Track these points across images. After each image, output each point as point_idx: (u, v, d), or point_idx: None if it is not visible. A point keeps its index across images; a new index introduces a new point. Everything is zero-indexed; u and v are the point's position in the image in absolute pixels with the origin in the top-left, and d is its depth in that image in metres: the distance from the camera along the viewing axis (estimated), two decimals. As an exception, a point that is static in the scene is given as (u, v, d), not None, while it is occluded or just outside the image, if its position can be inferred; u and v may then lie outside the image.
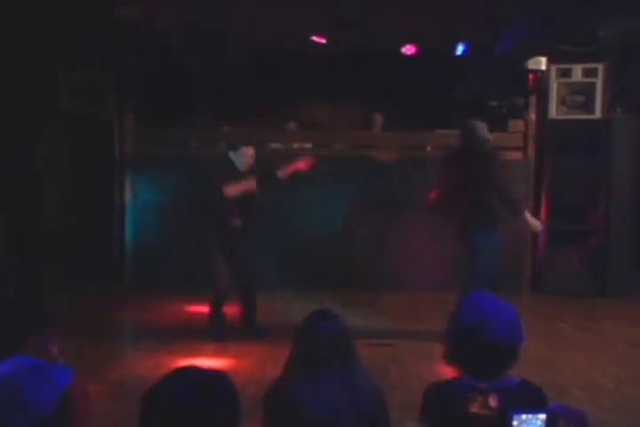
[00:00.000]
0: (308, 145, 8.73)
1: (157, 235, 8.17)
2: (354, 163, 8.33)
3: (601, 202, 8.22)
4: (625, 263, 8.13)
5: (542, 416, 2.12)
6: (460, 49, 8.26)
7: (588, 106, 8.23)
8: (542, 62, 8.21)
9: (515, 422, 2.11)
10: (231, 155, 6.23)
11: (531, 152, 8.40)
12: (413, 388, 4.72)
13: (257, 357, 5.56)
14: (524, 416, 2.11)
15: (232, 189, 6.02)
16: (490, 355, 2.45)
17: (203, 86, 9.30)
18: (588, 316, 6.69)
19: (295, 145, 8.78)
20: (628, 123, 8.13)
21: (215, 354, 5.68)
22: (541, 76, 8.31)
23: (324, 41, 8.05)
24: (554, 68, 8.23)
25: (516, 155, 8.42)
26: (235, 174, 6.14)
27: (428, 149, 8.65)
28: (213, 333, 6.12)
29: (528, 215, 6.23)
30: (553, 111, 8.28)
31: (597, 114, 8.20)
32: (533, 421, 2.11)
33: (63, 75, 8.23)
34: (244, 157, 6.22)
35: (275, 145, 8.74)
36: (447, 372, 2.74)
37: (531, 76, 8.37)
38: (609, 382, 5.16)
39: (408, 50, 8.25)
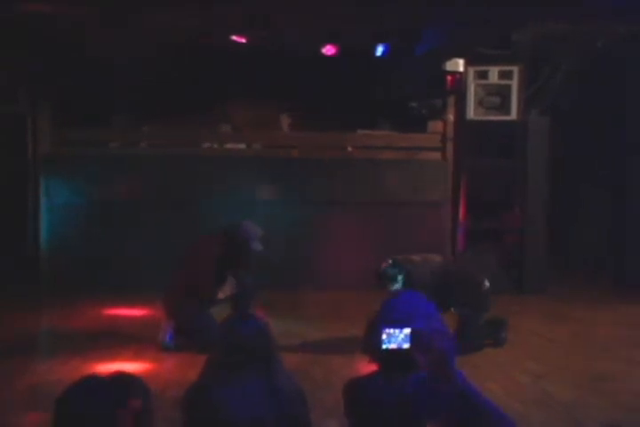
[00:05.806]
0: (242, 145, 8.70)
1: (73, 236, 8.03)
2: (275, 162, 8.34)
3: (516, 201, 8.43)
4: (540, 260, 8.35)
5: (407, 331, 2.34)
6: (379, 50, 8.33)
7: (503, 107, 8.42)
8: (460, 64, 8.35)
9: (384, 336, 2.34)
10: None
11: (449, 152, 8.53)
12: (337, 388, 4.72)
13: (177, 360, 5.47)
14: (390, 330, 2.34)
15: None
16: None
17: (120, 86, 9.13)
18: (505, 312, 6.80)
19: (229, 145, 8.73)
20: (542, 124, 8.35)
21: (135, 357, 5.55)
22: (459, 78, 8.45)
23: (243, 40, 8.00)
24: (471, 69, 8.39)
25: (435, 155, 8.55)
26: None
27: (349, 148, 8.70)
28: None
29: None
30: (471, 112, 8.43)
31: (513, 115, 8.40)
32: (398, 334, 2.33)
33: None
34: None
35: (206, 145, 8.70)
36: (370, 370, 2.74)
37: (449, 78, 8.51)
38: (526, 376, 5.26)
39: (328, 50, 8.28)
